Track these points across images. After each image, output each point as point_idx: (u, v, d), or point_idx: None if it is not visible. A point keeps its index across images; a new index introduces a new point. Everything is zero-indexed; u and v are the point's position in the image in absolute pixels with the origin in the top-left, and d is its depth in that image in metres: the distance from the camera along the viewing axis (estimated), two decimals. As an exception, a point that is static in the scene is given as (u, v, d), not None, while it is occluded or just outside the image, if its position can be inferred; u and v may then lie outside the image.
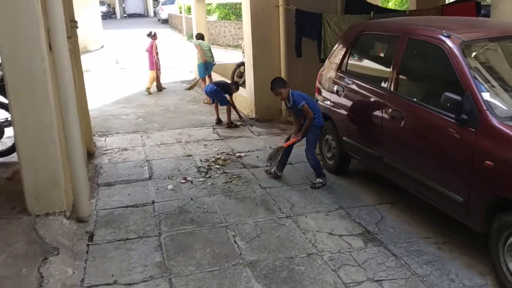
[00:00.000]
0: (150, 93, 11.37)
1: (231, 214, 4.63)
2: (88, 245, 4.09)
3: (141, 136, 7.65)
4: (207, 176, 5.72)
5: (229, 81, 9.36)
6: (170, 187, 5.39)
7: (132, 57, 17.95)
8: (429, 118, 3.91)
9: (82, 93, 6.55)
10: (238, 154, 6.53)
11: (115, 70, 15.73)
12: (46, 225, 4.13)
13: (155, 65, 11.47)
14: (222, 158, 6.36)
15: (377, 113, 4.62)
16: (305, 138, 5.39)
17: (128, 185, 5.50)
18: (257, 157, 6.43)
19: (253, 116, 8.56)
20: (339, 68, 5.44)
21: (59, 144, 4.28)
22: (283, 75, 8.26)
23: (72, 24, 5.85)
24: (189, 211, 4.74)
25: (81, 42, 20.75)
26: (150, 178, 5.70)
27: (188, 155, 6.55)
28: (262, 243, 4.07)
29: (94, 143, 7.12)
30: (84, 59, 18.95)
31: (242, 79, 12.53)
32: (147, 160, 6.39)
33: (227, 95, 8.27)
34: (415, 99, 4.18)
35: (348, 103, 5.16)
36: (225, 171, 5.89)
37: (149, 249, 4.00)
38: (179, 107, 9.91)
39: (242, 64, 12.51)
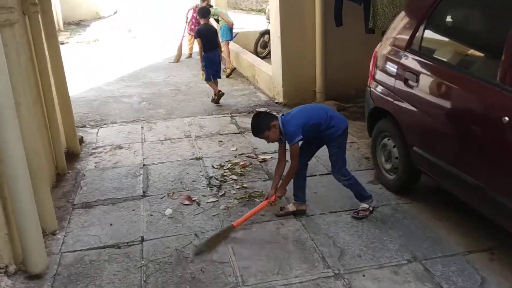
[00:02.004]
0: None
1: (251, 269, 3.14)
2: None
3: (142, 128, 6.18)
4: (219, 193, 4.23)
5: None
6: (168, 212, 3.92)
7: (147, 25, 16.34)
8: None
9: (60, 79, 5.06)
10: (261, 157, 5.01)
11: (126, 39, 14.17)
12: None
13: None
14: (241, 163, 4.84)
15: (479, 118, 3.00)
16: (327, 155, 3.78)
17: (114, 206, 4.07)
18: (286, 161, 4.90)
19: (280, 100, 6.96)
20: (408, 45, 3.77)
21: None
22: (318, 50, 6.63)
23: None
24: (191, 259, 3.28)
25: (92, 8, 19.32)
26: (143, 195, 4.25)
27: (198, 158, 5.06)
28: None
29: (82, 138, 5.68)
30: (95, 27, 17.65)
31: (267, 50, 10.96)
32: (143, 165, 4.93)
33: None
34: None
35: (425, 98, 3.52)
36: (244, 184, 4.39)
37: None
38: (191, 86, 8.36)
39: (267, 32, 10.89)
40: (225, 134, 5.85)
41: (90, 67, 10.12)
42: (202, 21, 7.21)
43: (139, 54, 11.65)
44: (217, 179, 4.51)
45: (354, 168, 4.56)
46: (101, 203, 4.12)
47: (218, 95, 7.12)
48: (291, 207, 3.84)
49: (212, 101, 7.20)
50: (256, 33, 11.32)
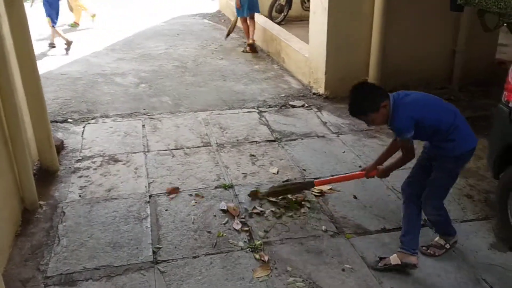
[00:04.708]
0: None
1: None
2: None
3: (143, 126, 4.63)
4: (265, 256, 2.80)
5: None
6: (197, 302, 2.51)
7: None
8: None
9: (26, 54, 3.46)
10: (317, 189, 3.54)
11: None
12: None
13: None
14: (293, 198, 3.38)
15: None
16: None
17: (110, 284, 2.62)
18: (355, 197, 3.46)
19: (320, 90, 5.42)
20: None
21: None
22: (375, 29, 5.09)
23: None
24: None
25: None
26: (155, 260, 2.79)
27: (226, 186, 3.57)
28: None
29: (61, 143, 4.14)
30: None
31: (282, 15, 9.27)
32: (150, 196, 3.44)
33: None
34: None
35: None
36: (303, 241, 2.96)
37: None
38: (201, 62, 6.73)
39: (282, -8, 9.18)
40: (256, 142, 4.35)
41: (71, 29, 8.36)
42: None
43: (133, 13, 9.86)
44: (261, 230, 3.06)
45: (455, 217, 3.16)
46: (89, 277, 2.66)
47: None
48: (394, 258, 2.68)
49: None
50: (271, -6, 9.60)
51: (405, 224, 2.76)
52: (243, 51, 7.16)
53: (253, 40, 7.11)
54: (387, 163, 2.90)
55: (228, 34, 7.57)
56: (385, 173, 2.90)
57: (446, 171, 2.68)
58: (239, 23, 7.49)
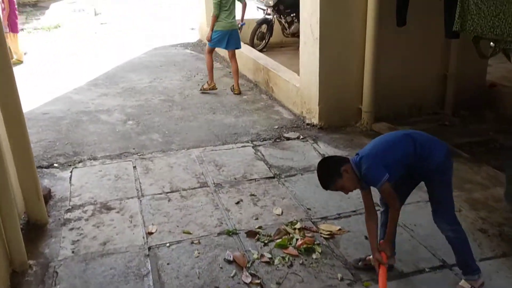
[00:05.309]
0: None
1: None
2: None
3: (135, 168, 4.41)
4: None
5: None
6: None
7: (115, 5, 14.17)
8: None
9: (13, 115, 3.24)
10: (326, 231, 3.37)
11: (93, 25, 12.03)
12: None
13: None
14: (300, 242, 3.19)
15: None
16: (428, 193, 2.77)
17: None
18: (366, 238, 3.29)
19: (313, 121, 5.30)
20: None
21: None
22: (367, 56, 5.04)
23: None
24: None
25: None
26: (161, 325, 2.57)
27: (230, 232, 3.37)
28: None
29: (49, 192, 3.88)
30: (55, 8, 15.22)
31: (264, 42, 9.25)
32: (149, 249, 3.20)
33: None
34: None
35: None
36: (319, 295, 2.78)
37: None
38: (188, 95, 6.56)
39: (264, 21, 9.21)
40: (254, 179, 4.17)
41: (53, 65, 8.10)
42: None
43: (112, 45, 9.67)
44: (276, 283, 2.86)
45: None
46: None
47: None
48: None
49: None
50: (250, 21, 9.54)
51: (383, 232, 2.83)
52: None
53: (239, 90, 6.57)
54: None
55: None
56: (389, 246, 2.71)
57: (438, 181, 2.67)
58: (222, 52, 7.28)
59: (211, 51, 6.60)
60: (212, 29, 6.34)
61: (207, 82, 6.63)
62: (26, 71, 7.63)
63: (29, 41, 9.82)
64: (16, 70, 7.24)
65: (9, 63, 3.21)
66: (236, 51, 6.68)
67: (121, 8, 14.07)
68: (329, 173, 2.66)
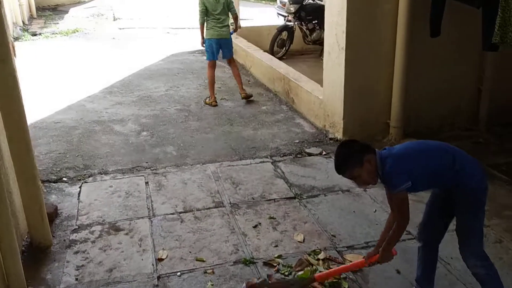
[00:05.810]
0: None
1: None
2: None
3: (147, 184, 4.16)
4: None
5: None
6: None
7: (135, 11, 14.06)
8: None
9: (16, 129, 3.01)
10: (349, 260, 3.03)
11: (111, 30, 11.91)
12: None
13: None
14: (328, 278, 2.88)
15: None
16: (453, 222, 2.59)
17: None
18: (398, 272, 2.98)
19: (338, 136, 4.98)
20: None
21: None
22: (397, 68, 4.71)
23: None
24: None
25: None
26: None
27: (247, 261, 3.08)
28: None
29: (55, 209, 3.65)
30: (74, 13, 15.17)
31: (284, 49, 9.01)
32: (159, 278, 2.93)
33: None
34: None
35: None
36: None
37: None
38: (204, 105, 6.31)
39: (285, 28, 8.96)
40: (274, 200, 3.88)
41: (68, 72, 7.93)
42: None
43: (129, 51, 9.50)
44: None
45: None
46: None
47: None
48: None
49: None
50: (271, 28, 9.32)
51: (421, 266, 2.69)
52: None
53: (245, 93, 6.34)
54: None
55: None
56: (386, 253, 2.52)
57: (468, 208, 2.41)
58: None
59: (211, 65, 6.37)
60: (202, 37, 6.28)
61: (208, 97, 6.35)
62: (40, 77, 7.48)
63: (46, 46, 9.72)
64: (30, 76, 7.21)
65: (13, 73, 2.99)
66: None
67: (140, 12, 13.98)
68: (350, 157, 2.38)
